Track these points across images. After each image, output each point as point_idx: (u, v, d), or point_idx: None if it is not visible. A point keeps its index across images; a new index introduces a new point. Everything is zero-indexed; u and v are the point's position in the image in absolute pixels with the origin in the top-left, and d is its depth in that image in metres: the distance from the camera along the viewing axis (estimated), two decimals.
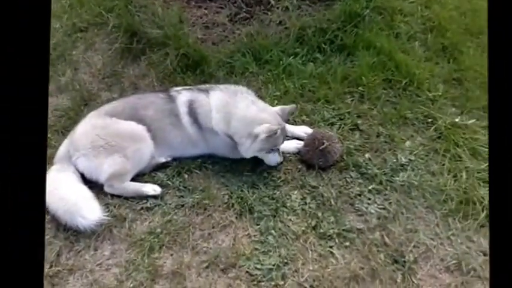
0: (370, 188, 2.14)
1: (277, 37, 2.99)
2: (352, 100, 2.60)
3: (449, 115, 2.45)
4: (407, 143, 2.33)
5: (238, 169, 2.28)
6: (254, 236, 1.97)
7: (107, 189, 2.16)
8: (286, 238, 1.95)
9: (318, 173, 2.23)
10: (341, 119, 2.49)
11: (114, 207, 2.13)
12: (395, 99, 2.59)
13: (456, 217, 1.99)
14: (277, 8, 3.14)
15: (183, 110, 2.25)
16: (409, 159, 2.25)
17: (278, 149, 2.21)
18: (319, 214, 2.04)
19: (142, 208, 2.13)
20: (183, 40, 2.94)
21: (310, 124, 2.48)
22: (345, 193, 2.13)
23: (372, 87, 2.63)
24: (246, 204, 2.09)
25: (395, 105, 2.56)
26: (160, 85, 2.83)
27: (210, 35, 3.14)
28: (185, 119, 2.24)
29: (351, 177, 2.20)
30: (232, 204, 2.10)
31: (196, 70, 2.84)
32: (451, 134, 2.32)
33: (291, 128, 2.42)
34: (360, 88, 2.64)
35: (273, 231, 1.98)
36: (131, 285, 1.81)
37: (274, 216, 2.04)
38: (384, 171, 2.20)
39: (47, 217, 2.03)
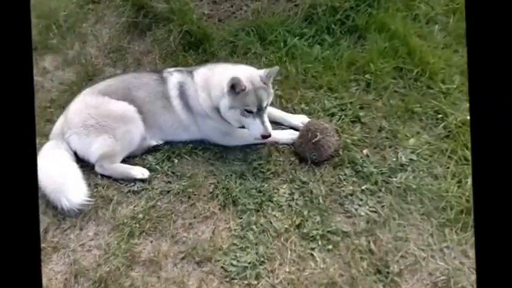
0: (363, 187, 1.91)
1: (285, 15, 2.70)
2: (357, 89, 2.32)
3: (462, 111, 2.13)
4: (411, 141, 2.06)
5: (229, 157, 2.10)
6: (234, 230, 1.83)
7: (97, 169, 2.07)
8: (267, 235, 1.79)
9: (310, 167, 2.02)
10: (342, 110, 2.23)
11: (103, 188, 2.04)
12: (404, 91, 2.29)
13: (454, 228, 1.74)
14: None
15: (173, 93, 2.08)
16: (411, 159, 1.99)
17: (260, 117, 1.93)
18: (305, 212, 1.85)
19: (129, 191, 2.02)
20: (187, 16, 2.72)
21: (309, 113, 2.24)
22: (335, 191, 1.92)
23: (380, 75, 2.33)
24: (230, 195, 1.93)
25: (403, 97, 2.26)
26: (163, 63, 2.66)
27: (217, 10, 2.89)
28: (175, 102, 2.08)
29: (345, 174, 1.98)
30: (217, 195, 1.95)
31: (199, 49, 2.63)
32: (460, 134, 2.03)
33: (288, 117, 2.20)
34: (367, 76, 2.35)
35: (254, 227, 1.82)
36: (107, 269, 1.73)
37: (258, 211, 1.88)
38: (381, 171, 1.96)
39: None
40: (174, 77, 2.11)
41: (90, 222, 1.92)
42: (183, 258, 1.75)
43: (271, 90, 2.02)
